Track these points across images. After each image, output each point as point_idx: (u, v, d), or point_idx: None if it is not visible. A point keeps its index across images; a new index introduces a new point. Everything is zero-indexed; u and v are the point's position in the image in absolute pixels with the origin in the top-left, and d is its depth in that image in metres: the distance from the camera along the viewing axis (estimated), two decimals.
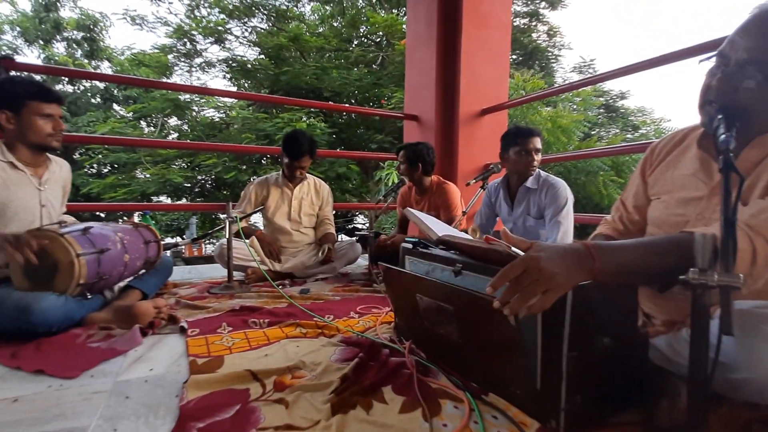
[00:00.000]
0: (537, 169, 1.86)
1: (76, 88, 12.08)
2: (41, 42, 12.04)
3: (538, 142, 1.86)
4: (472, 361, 0.92)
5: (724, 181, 0.63)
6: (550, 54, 11.64)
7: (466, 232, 1.32)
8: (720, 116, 0.74)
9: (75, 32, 12.24)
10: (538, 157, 1.85)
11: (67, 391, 0.90)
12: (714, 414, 0.78)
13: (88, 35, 12.25)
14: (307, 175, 2.32)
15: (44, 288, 1.23)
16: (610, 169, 7.43)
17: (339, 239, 2.35)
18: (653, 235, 0.97)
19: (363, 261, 2.50)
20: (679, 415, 0.74)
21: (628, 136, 11.27)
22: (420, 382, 0.91)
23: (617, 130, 11.31)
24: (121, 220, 1.88)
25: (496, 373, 0.86)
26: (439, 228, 1.00)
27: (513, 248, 0.75)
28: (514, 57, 11.39)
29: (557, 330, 0.71)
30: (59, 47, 12.45)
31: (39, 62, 11.25)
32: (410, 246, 1.13)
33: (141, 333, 1.21)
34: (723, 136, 0.67)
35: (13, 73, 2.05)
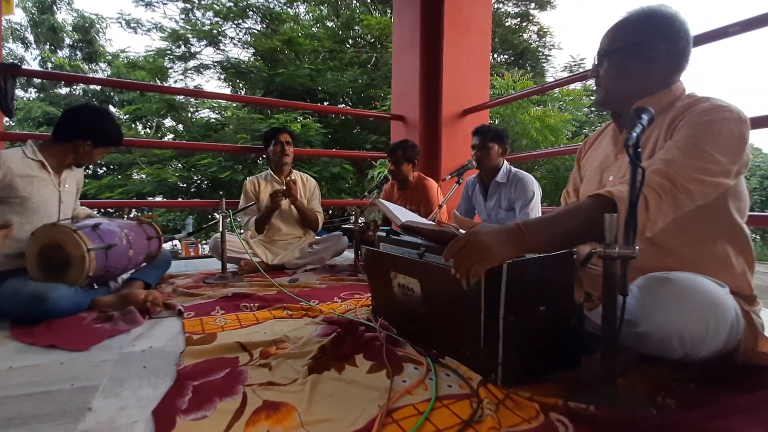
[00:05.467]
0: (506, 164, 2.02)
1: (73, 90, 12.14)
2: (36, 44, 12.11)
3: (477, 139, 2.05)
4: (433, 328, 1.05)
5: (632, 171, 0.77)
6: (540, 54, 11.81)
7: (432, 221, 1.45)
8: (633, 116, 0.88)
9: (72, 35, 12.30)
10: (480, 154, 2.02)
11: (78, 360, 1.03)
12: (636, 371, 0.92)
13: (85, 38, 12.32)
14: (294, 171, 2.47)
15: (57, 279, 1.36)
16: None
17: None
18: None
19: (350, 254, 2.63)
20: (598, 368, 0.87)
21: None
22: (388, 350, 1.04)
23: None
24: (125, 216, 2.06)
25: (451, 337, 0.99)
26: (402, 215, 1.14)
27: (460, 229, 0.89)
28: (505, 57, 11.55)
29: (495, 298, 0.84)
30: (56, 50, 12.50)
31: (35, 65, 11.32)
32: (384, 234, 1.27)
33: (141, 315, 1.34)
34: (628, 134, 0.81)
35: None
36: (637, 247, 0.73)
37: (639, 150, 0.78)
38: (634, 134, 0.80)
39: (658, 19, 0.96)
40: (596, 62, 1.03)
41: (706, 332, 0.77)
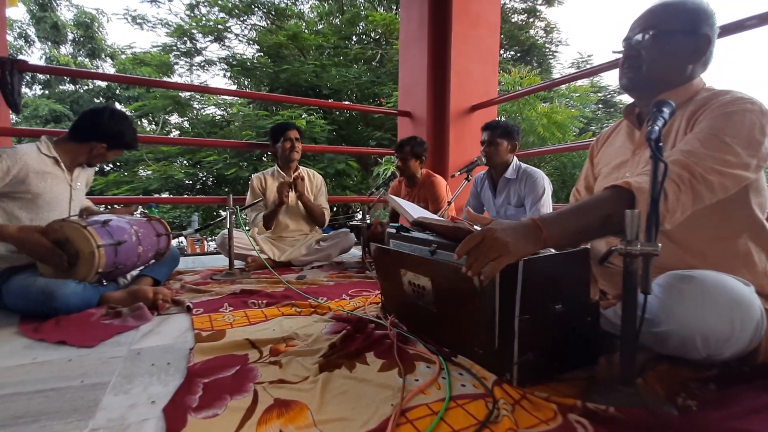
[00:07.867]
0: (515, 160, 1.99)
1: (78, 87, 12.19)
2: (39, 42, 12.16)
3: (486, 135, 2.01)
4: (445, 327, 1.04)
5: (653, 166, 0.75)
6: (547, 50, 11.69)
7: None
8: (654, 110, 0.85)
9: (74, 31, 12.34)
10: (489, 150, 1.98)
11: (87, 357, 1.02)
12: (654, 371, 0.90)
13: (87, 34, 12.34)
14: (300, 167, 2.46)
15: (66, 275, 1.35)
16: None
17: None
18: None
19: (357, 251, 2.62)
20: (616, 368, 0.85)
21: None
22: (399, 348, 1.02)
23: None
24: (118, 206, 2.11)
25: (464, 336, 0.97)
26: (414, 211, 1.12)
27: (475, 225, 0.87)
28: (511, 53, 11.45)
29: (511, 296, 0.82)
30: (59, 46, 12.55)
31: (41, 63, 11.39)
32: (394, 231, 1.25)
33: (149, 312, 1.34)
34: (650, 127, 0.78)
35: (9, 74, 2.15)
36: (659, 244, 0.71)
37: (660, 144, 0.76)
38: (657, 128, 0.78)
39: (709, 12, 0.95)
40: (640, 38, 0.97)
41: (731, 332, 0.75)
